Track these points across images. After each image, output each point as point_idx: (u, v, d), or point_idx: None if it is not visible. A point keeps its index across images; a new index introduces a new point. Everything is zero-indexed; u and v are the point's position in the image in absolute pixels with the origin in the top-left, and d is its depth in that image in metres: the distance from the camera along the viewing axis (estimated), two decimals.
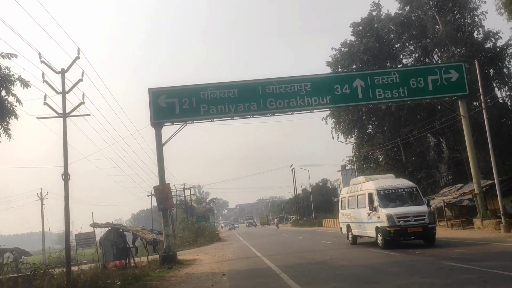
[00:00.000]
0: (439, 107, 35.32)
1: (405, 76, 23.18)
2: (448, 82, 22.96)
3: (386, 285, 9.76)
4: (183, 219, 53.66)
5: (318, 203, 73.60)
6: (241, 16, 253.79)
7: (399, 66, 38.74)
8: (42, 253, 43.51)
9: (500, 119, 35.07)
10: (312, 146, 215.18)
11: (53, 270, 14.80)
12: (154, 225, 50.82)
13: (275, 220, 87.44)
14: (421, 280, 9.86)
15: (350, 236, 21.58)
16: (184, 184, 64.26)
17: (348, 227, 21.74)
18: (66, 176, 14.90)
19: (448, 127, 36.76)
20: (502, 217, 20.35)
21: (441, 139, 42.25)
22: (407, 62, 41.62)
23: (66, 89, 15.45)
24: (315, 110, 24.17)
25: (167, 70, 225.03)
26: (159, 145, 22.49)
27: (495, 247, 15.01)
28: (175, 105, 22.20)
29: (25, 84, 13.35)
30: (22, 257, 31.75)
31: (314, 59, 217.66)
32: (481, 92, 23.01)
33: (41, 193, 47.71)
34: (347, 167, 60.51)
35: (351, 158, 46.04)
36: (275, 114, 23.50)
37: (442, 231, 23.84)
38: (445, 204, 26.72)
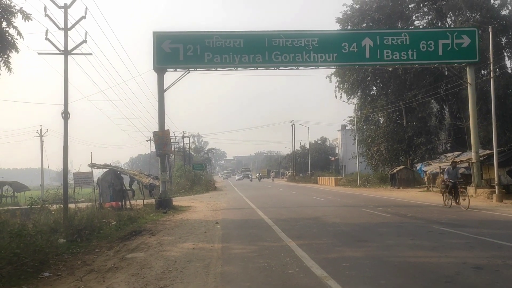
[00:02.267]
0: (446, 73, 34.81)
1: (416, 38, 22.63)
2: (459, 48, 22.46)
3: (375, 243, 9.98)
4: (180, 166, 54.22)
5: (316, 161, 74.29)
6: None
7: (410, 27, 37.74)
8: (40, 188, 44.26)
9: (506, 90, 34.64)
10: (314, 103, 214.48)
11: (50, 205, 15.09)
12: (151, 170, 51.52)
13: (271, 174, 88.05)
14: (410, 241, 10.06)
15: None
16: (183, 132, 64.61)
17: None
18: (66, 115, 14.86)
19: (452, 94, 36.41)
20: (496, 186, 20.55)
21: (444, 106, 41.97)
22: (419, 24, 40.52)
23: (69, 26, 15.09)
24: (320, 67, 23.80)
25: (174, 13, 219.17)
26: (161, 90, 22.31)
27: (485, 215, 15.25)
28: (179, 51, 21.81)
29: (26, 17, 12.98)
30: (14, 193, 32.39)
31: (323, 13, 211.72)
32: (491, 61, 22.52)
33: (40, 129, 47.84)
34: (347, 127, 60.48)
35: (352, 118, 45.90)
36: (280, 68, 23.15)
37: (435, 197, 24.16)
38: (441, 171, 26.91)
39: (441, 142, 43.86)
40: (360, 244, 9.92)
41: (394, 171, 35.81)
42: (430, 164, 30.18)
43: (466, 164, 25.47)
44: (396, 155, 40.70)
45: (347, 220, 14.73)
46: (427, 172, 29.71)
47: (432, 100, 39.89)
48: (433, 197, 24.03)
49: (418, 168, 32.58)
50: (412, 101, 37.64)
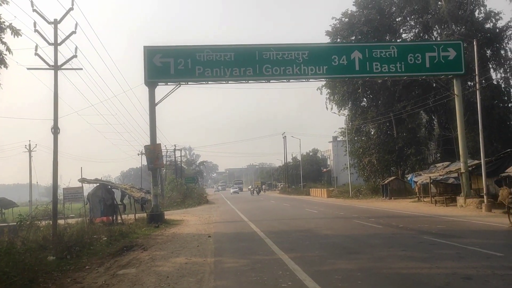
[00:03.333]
0: (434, 85, 35.26)
1: (403, 51, 23.00)
2: (445, 60, 22.85)
3: (367, 255, 10.01)
4: (172, 180, 53.95)
5: (307, 172, 74.29)
6: None
7: (398, 40, 38.33)
8: (29, 204, 43.67)
9: (492, 101, 35.19)
10: (305, 116, 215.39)
11: (39, 222, 14.92)
12: (143, 184, 51.10)
13: (263, 186, 79.69)
14: (401, 252, 10.11)
15: None
16: (175, 145, 64.42)
17: None
18: (55, 130, 14.80)
19: (441, 105, 36.85)
20: (484, 196, 20.73)
21: (433, 117, 42.44)
22: (407, 37, 41.15)
23: (59, 41, 15.11)
24: (311, 80, 24.02)
25: (165, 28, 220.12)
26: (152, 104, 22.31)
27: (475, 225, 15.37)
28: (170, 65, 21.89)
29: (15, 32, 12.94)
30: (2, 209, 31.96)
31: (312, 26, 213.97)
32: (476, 73, 22.93)
33: (29, 145, 47.32)
34: (338, 139, 60.76)
35: (343, 130, 46.18)
36: (271, 81, 23.34)
37: (426, 207, 24.33)
38: (431, 181, 27.13)
39: (431, 152, 44.24)
40: (352, 256, 9.95)
41: (386, 182, 36.00)
42: (421, 175, 30.40)
43: (456, 174, 25.72)
44: (387, 166, 40.94)
45: (339, 232, 14.75)
46: (417, 183, 29.90)
47: (421, 111, 40.32)
48: (424, 208, 24.18)
49: (409, 178, 32.78)
50: (401, 113, 38.01)
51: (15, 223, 13.43)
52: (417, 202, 28.87)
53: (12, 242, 9.35)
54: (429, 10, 38.99)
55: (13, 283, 7.52)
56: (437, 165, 31.49)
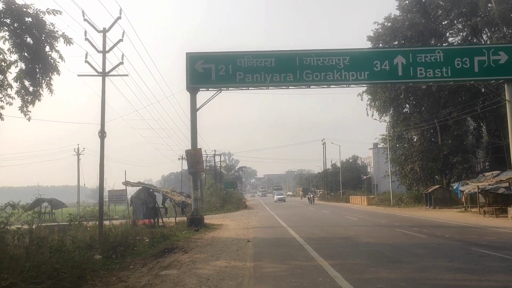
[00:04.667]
0: (483, 90, 33.91)
1: (450, 55, 22.29)
2: (496, 64, 21.95)
3: (410, 265, 9.70)
4: (211, 185, 54.62)
5: (347, 179, 73.12)
6: None
7: (444, 44, 37.14)
8: (76, 205, 45.51)
9: None
10: (345, 121, 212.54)
11: (87, 222, 15.48)
12: (183, 188, 52.06)
13: (309, 194, 61.79)
14: (448, 263, 9.74)
15: None
16: (215, 150, 65.23)
17: None
18: (102, 134, 15.32)
19: (490, 112, 35.34)
20: None
21: (482, 124, 40.72)
22: (453, 41, 39.81)
23: (107, 49, 15.69)
24: (352, 85, 23.73)
25: (206, 35, 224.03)
26: (193, 110, 22.73)
27: None
28: (212, 71, 22.25)
29: (68, 41, 13.59)
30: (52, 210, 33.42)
31: (351, 33, 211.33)
32: None
33: (78, 148, 49.47)
34: (379, 145, 59.47)
35: (384, 136, 45.21)
36: (311, 87, 23.25)
37: (473, 218, 23.34)
38: (479, 191, 26.00)
39: (479, 161, 42.45)
40: (395, 265, 9.68)
41: (429, 190, 34.84)
42: (468, 184, 29.19)
43: (507, 184, 24.55)
44: (431, 174, 39.65)
45: (380, 240, 14.41)
46: (464, 192, 28.74)
47: (468, 118, 38.84)
48: (471, 218, 23.20)
49: (455, 187, 31.62)
50: (447, 119, 36.75)
51: (65, 223, 13.98)
52: (463, 212, 27.75)
53: (62, 241, 9.75)
54: (478, 13, 37.55)
55: (63, 279, 7.84)
56: (486, 174, 30.12)
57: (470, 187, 28.06)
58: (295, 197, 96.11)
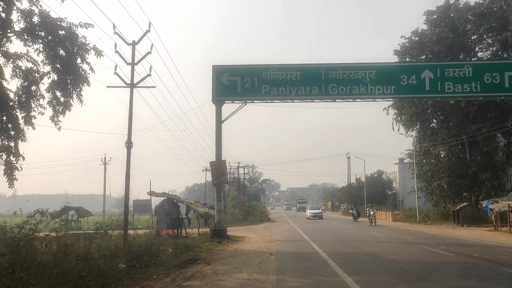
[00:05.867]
0: None
1: (479, 70, 21.86)
2: None
3: (438, 284, 9.43)
4: (235, 197, 54.71)
5: (371, 195, 72.03)
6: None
7: (473, 59, 36.45)
8: (102, 214, 46.22)
9: None
10: (370, 136, 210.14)
11: (112, 231, 15.72)
12: (206, 200, 52.30)
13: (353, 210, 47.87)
14: (477, 284, 9.42)
15: None
16: (238, 162, 65.43)
17: None
18: (129, 144, 15.61)
19: None
20: None
21: None
22: (483, 55, 38.95)
23: (135, 61, 16.06)
24: (377, 99, 23.53)
25: (234, 51, 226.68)
26: (219, 122, 22.91)
27: None
28: (237, 84, 22.44)
29: (98, 53, 14.00)
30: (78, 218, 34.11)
31: (375, 48, 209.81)
32: None
33: (104, 158, 50.36)
34: (405, 161, 58.42)
35: (410, 151, 44.40)
36: (336, 100, 23.16)
37: (504, 237, 22.56)
38: (510, 209, 25.16)
39: (509, 178, 41.10)
40: (421, 284, 9.43)
41: (457, 208, 33.89)
42: (498, 202, 28.28)
43: None
44: (459, 191, 38.60)
45: (406, 258, 14.08)
46: (494, 210, 27.85)
47: (498, 134, 37.81)
48: (501, 238, 22.42)
49: (484, 205, 30.62)
50: (476, 135, 35.87)
51: (91, 231, 14.24)
52: (493, 231, 26.84)
53: (88, 249, 9.92)
54: (509, 27, 36.75)
55: (88, 286, 7.96)
56: None
57: (500, 205, 27.18)
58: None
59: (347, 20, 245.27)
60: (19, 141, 13.40)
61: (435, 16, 39.35)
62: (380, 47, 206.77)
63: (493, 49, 38.74)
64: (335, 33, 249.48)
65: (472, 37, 39.08)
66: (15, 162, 13.13)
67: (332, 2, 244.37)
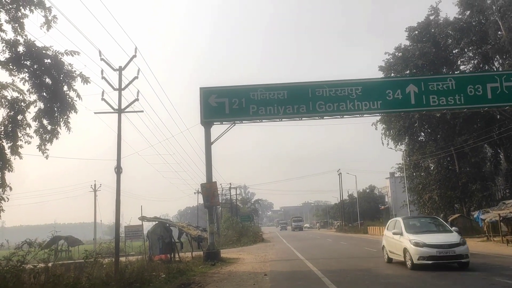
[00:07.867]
0: (498, 117, 33.58)
1: (462, 83, 22.25)
2: (509, 91, 21.80)
3: None
4: (227, 218, 54.32)
5: (364, 210, 72.11)
6: (293, 16, 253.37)
7: (456, 72, 37.19)
8: (93, 242, 45.52)
9: None
10: (360, 151, 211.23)
11: (103, 259, 15.46)
12: (199, 222, 51.87)
13: None
14: None
15: None
16: (230, 183, 65.18)
17: None
18: (119, 170, 15.52)
19: (507, 138, 34.85)
20: None
21: (499, 150, 40.02)
22: (465, 68, 39.80)
23: (122, 86, 16.11)
24: (365, 115, 23.71)
25: (220, 70, 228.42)
26: (208, 143, 22.91)
27: None
28: (225, 105, 22.53)
29: (85, 80, 14.05)
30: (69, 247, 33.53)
31: (364, 64, 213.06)
32: None
33: (94, 185, 49.97)
34: (396, 175, 58.79)
35: (400, 165, 44.74)
36: (324, 117, 23.33)
37: (496, 247, 22.64)
38: (501, 219, 25.32)
39: (499, 188, 41.49)
40: None
41: (449, 219, 33.99)
42: (489, 212, 28.45)
43: None
44: (450, 203, 38.83)
45: (401, 272, 14.02)
46: (485, 221, 28.00)
47: (485, 145, 38.32)
48: (494, 247, 22.50)
49: (475, 216, 30.80)
50: (463, 146, 36.31)
51: (81, 260, 14.01)
52: (486, 242, 26.93)
53: (78, 278, 9.75)
54: (489, 41, 37.67)
55: None
56: (507, 202, 29.35)
57: (491, 215, 27.35)
58: (313, 229, 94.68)
59: (332, 35, 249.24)
60: (6, 171, 13.25)
61: (416, 32, 40.26)
62: (364, 64, 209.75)
63: (475, 62, 39.65)
64: (317, 51, 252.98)
65: (454, 51, 39.98)
66: (1, 192, 12.96)
67: (312, 27, 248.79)
